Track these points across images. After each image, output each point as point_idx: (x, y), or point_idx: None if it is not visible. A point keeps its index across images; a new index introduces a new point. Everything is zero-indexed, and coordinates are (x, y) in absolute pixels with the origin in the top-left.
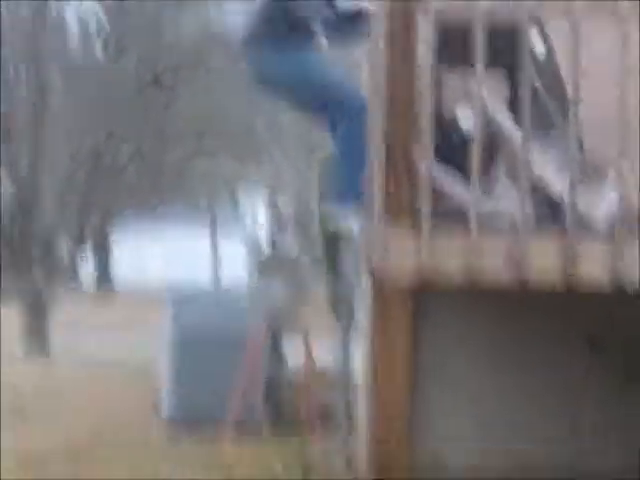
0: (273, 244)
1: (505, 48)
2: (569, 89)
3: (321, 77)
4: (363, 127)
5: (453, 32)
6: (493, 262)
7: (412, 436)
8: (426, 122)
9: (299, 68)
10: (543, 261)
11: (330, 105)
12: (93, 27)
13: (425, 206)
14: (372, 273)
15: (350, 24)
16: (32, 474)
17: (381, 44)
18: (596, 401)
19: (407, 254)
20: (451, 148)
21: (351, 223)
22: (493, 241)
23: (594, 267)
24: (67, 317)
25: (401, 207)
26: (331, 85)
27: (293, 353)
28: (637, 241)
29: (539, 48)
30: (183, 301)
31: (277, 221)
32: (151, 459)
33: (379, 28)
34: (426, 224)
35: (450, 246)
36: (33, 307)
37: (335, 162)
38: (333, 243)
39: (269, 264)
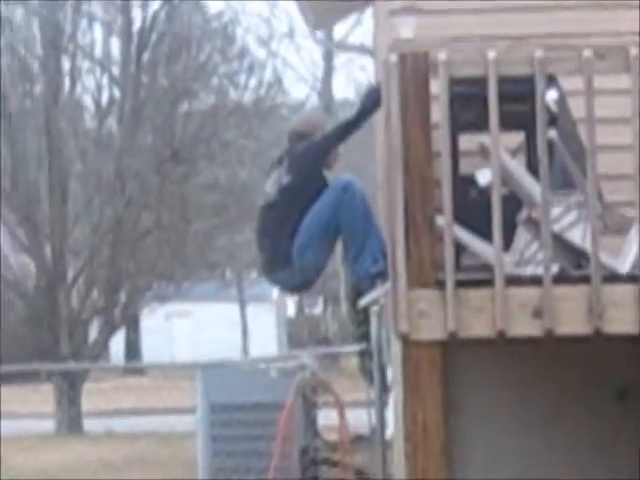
0: (302, 311)
1: (519, 105)
2: (584, 136)
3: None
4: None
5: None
6: (520, 314)
7: None
8: (445, 181)
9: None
10: (569, 310)
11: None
12: (105, 101)
13: (449, 262)
14: (400, 335)
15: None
16: None
17: (394, 107)
18: (629, 452)
19: (433, 312)
20: (469, 205)
21: (376, 288)
22: (518, 293)
23: (621, 313)
24: (97, 393)
25: (424, 266)
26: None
27: (327, 420)
28: None
29: (551, 94)
30: (213, 372)
31: None
32: None
33: (392, 91)
34: (450, 280)
35: (475, 300)
36: (64, 385)
37: (347, 242)
38: (362, 309)
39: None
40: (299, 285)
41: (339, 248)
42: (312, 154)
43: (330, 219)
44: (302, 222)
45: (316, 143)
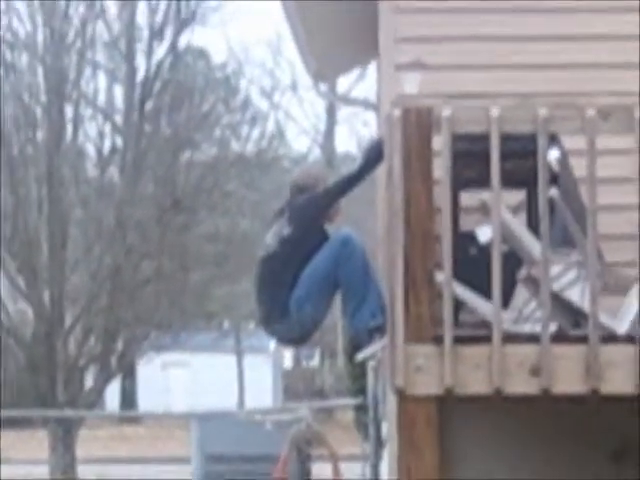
0: (298, 363)
1: (520, 163)
2: (585, 195)
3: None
4: (357, 256)
5: (468, 152)
6: (517, 372)
7: None
8: (445, 237)
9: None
10: (567, 369)
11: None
12: (107, 149)
13: (447, 318)
14: (396, 389)
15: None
16: None
17: (397, 162)
18: None
19: (430, 368)
20: (469, 261)
21: (374, 342)
22: (516, 351)
23: (618, 373)
24: (93, 440)
25: (422, 321)
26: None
27: (321, 473)
28: None
29: (553, 153)
30: (208, 423)
31: None
32: None
33: (394, 146)
34: (448, 336)
35: (473, 357)
36: (59, 432)
37: (346, 295)
38: (359, 362)
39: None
40: (297, 338)
41: (337, 301)
42: (313, 207)
43: (329, 272)
44: (301, 274)
45: (317, 196)
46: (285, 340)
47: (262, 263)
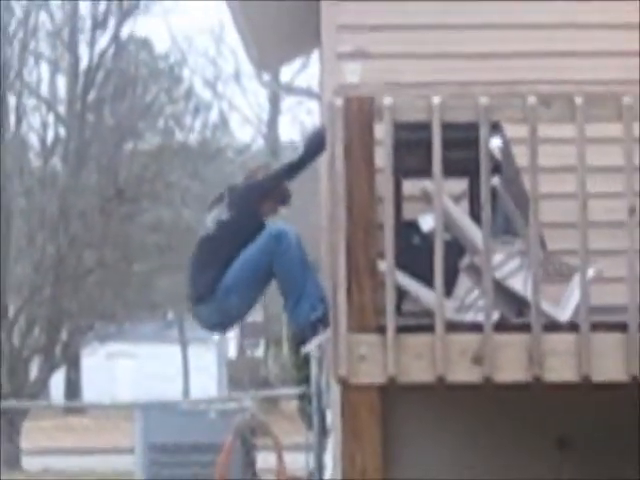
0: (243, 352)
1: (462, 152)
2: (527, 183)
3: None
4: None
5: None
6: (460, 360)
7: None
8: (387, 226)
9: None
10: (509, 357)
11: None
12: (51, 139)
13: (390, 307)
14: (339, 379)
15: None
16: None
17: (339, 151)
18: None
19: (373, 357)
20: (412, 250)
21: (318, 335)
22: (458, 340)
23: (561, 361)
24: (37, 431)
25: (365, 311)
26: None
27: (266, 462)
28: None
29: (495, 142)
30: (152, 413)
31: (247, 330)
32: None
33: (336, 135)
34: (391, 325)
35: (416, 346)
36: (3, 422)
37: (285, 291)
38: (303, 354)
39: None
40: (217, 324)
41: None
42: (252, 193)
43: (259, 267)
44: (232, 262)
45: (257, 183)
46: (205, 324)
47: (199, 244)
